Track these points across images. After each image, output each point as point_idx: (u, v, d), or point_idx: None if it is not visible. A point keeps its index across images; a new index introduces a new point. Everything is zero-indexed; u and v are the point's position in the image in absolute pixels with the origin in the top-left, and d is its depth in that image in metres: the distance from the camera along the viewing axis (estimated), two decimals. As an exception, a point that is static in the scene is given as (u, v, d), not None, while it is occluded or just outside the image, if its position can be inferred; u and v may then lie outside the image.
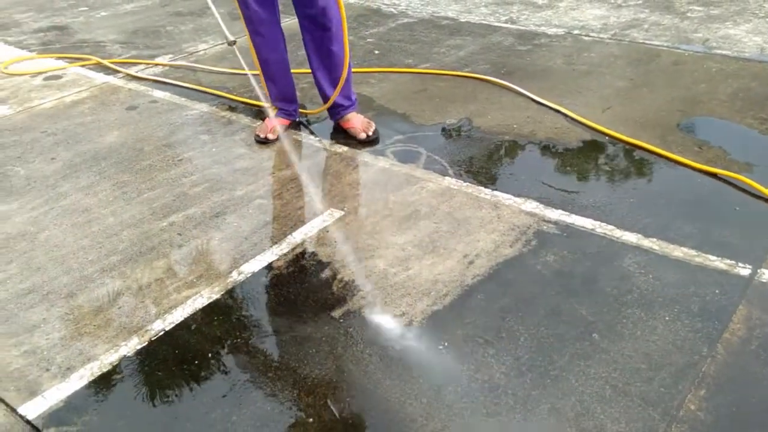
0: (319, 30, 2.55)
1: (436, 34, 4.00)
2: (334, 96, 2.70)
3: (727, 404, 1.48)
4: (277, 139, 2.78)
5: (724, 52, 3.51)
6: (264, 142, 2.77)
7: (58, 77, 3.64)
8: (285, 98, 2.83)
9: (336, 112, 2.80)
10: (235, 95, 3.24)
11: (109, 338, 1.76)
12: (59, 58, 3.91)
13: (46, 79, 3.62)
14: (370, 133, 2.73)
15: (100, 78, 3.59)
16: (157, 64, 3.75)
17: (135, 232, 2.21)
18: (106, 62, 3.76)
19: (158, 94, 3.34)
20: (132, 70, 3.65)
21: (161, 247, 2.13)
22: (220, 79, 3.47)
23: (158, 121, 3.03)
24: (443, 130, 2.82)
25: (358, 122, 2.76)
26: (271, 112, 2.85)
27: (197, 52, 3.92)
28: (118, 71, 3.66)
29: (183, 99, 3.25)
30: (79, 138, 2.91)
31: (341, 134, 2.81)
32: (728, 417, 1.45)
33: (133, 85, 3.47)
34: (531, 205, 2.24)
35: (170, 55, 3.87)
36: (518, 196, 2.30)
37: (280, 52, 2.69)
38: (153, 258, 2.08)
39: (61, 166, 2.68)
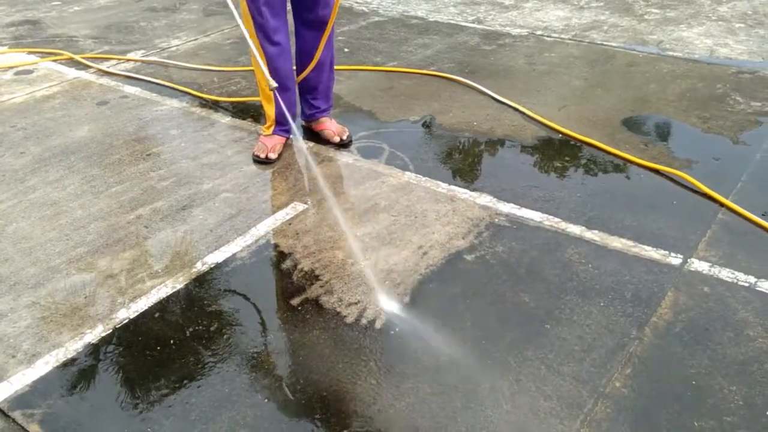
0: (314, 31, 2.58)
1: (405, 33, 4.10)
2: (304, 74, 2.68)
3: (649, 381, 1.61)
4: (278, 159, 2.64)
5: (676, 53, 3.66)
6: (265, 162, 2.62)
7: (29, 72, 3.66)
8: (290, 111, 2.61)
9: (311, 114, 2.81)
10: (206, 92, 3.30)
11: (75, 326, 1.83)
12: (31, 52, 3.93)
13: (17, 73, 3.64)
14: (344, 138, 2.75)
15: (72, 73, 3.62)
16: (129, 60, 3.79)
17: (102, 225, 2.28)
18: (78, 57, 3.79)
19: (129, 89, 3.38)
20: (104, 66, 3.69)
21: (128, 239, 2.20)
22: (191, 76, 3.52)
23: (128, 117, 3.08)
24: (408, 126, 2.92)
25: (333, 126, 2.79)
26: (266, 130, 2.72)
27: (170, 48, 3.96)
28: (89, 66, 3.69)
29: (154, 95, 3.30)
30: (48, 132, 2.95)
31: (310, 135, 2.85)
32: (649, 393, 1.58)
33: (104, 81, 3.51)
34: (485, 199, 2.36)
35: (143, 51, 3.91)
36: (474, 190, 2.41)
37: (290, 61, 2.61)
38: (119, 250, 2.15)
39: (30, 160, 2.73)
